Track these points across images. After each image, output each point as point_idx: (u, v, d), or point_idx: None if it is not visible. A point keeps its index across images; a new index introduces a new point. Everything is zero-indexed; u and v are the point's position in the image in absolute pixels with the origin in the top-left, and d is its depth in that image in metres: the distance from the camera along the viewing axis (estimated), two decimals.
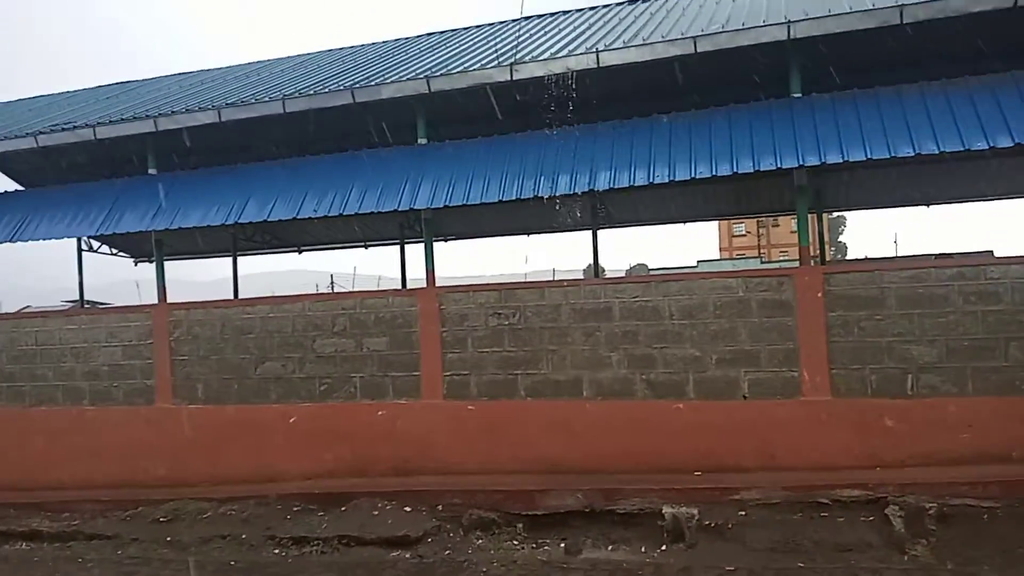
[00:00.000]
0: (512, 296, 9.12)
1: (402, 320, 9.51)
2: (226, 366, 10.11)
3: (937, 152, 7.43)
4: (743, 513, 7.38)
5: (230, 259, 18.24)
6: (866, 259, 19.96)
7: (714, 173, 8.04)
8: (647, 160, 8.34)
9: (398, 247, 17.43)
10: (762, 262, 39.19)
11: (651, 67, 8.66)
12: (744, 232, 60.30)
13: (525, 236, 16.63)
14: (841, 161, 7.70)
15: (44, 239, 10.69)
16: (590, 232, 15.33)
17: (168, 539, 8.54)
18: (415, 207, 8.99)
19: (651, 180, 8.19)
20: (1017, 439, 7.58)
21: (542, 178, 8.58)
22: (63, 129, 10.80)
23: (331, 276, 31.31)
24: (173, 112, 10.27)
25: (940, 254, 10.22)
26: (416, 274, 17.12)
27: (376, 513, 8.33)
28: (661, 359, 8.58)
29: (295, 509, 8.77)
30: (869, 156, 7.57)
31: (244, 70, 13.27)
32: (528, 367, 9.00)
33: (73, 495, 9.98)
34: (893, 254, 31.61)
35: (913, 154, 7.51)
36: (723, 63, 8.66)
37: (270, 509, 8.83)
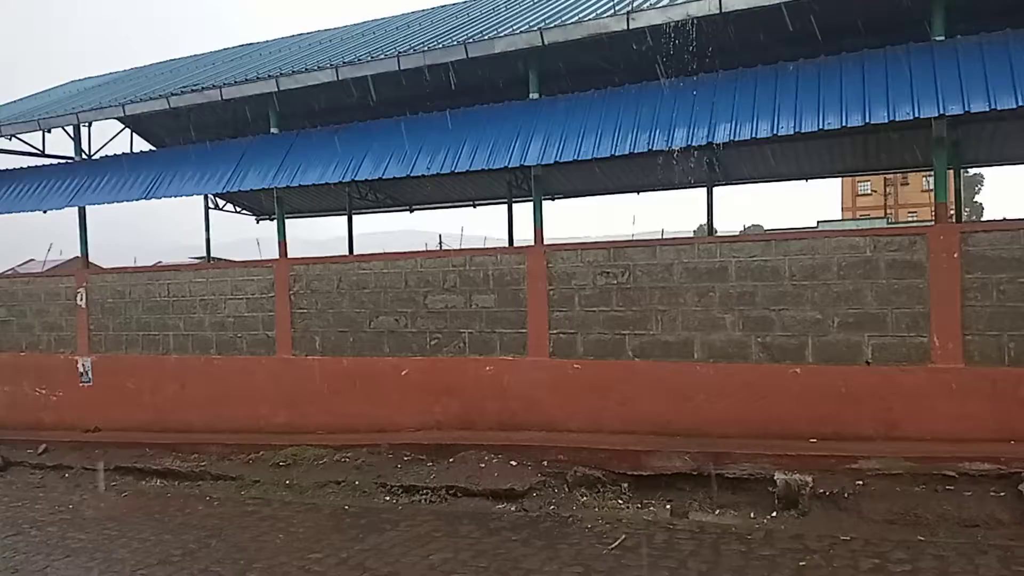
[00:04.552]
0: (622, 255, 8.94)
1: (510, 278, 9.52)
2: (342, 319, 10.46)
3: None
4: (861, 483, 7.04)
5: (344, 219, 18.86)
6: (1006, 219, 18.44)
7: (844, 123, 7.48)
8: (771, 110, 7.86)
9: (506, 206, 17.48)
10: (889, 222, 37.02)
11: (778, 11, 8.04)
12: (870, 191, 57.00)
13: (635, 194, 16.31)
14: (987, 110, 7.02)
15: (175, 196, 11.28)
16: (704, 190, 14.86)
17: (287, 482, 8.98)
18: (525, 163, 8.89)
19: (775, 132, 7.73)
20: None
21: (657, 131, 8.27)
22: (192, 90, 11.28)
23: (439, 236, 31.82)
24: (294, 72, 10.51)
25: None
26: (522, 234, 17.19)
27: (483, 466, 8.46)
28: (779, 321, 8.22)
29: (405, 459, 9.04)
30: (1021, 103, 6.87)
31: (360, 29, 13.47)
32: (636, 327, 8.84)
33: (201, 438, 10.68)
34: None
35: None
36: (858, 5, 8.05)
37: (382, 458, 9.14)
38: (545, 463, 8.33)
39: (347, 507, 8.15)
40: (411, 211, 19.67)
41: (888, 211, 49.91)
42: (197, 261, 17.81)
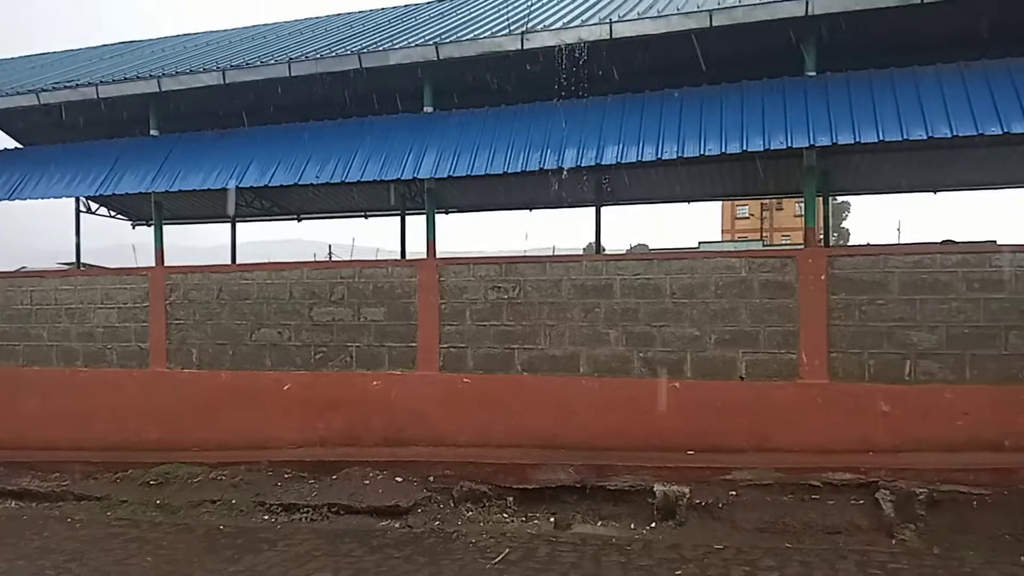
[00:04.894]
0: (513, 270, 9.03)
1: (401, 291, 9.43)
2: (222, 331, 10.05)
3: (950, 136, 7.29)
4: (734, 493, 7.36)
5: (228, 226, 18.18)
6: (869, 245, 19.90)
7: (724, 150, 7.90)
8: (656, 135, 8.18)
9: (398, 218, 17.32)
10: (764, 245, 39.09)
11: (665, 40, 8.46)
12: (747, 215, 60.01)
13: (527, 211, 16.52)
14: (852, 142, 7.57)
15: (42, 198, 10.58)
16: (593, 209, 15.23)
17: (158, 502, 8.52)
18: (418, 176, 8.87)
19: (659, 155, 8.05)
20: (1011, 427, 7.55)
21: (548, 151, 8.44)
22: (65, 87, 10.65)
23: (329, 247, 31.26)
24: (177, 73, 10.11)
25: (944, 241, 10.12)
26: (415, 247, 17.05)
27: (367, 482, 8.31)
28: (660, 337, 8.51)
29: (286, 476, 8.76)
30: (881, 138, 7.43)
31: (250, 32, 13.08)
32: (525, 342, 8.93)
33: (64, 456, 9.96)
34: (896, 241, 31.53)
35: (926, 137, 7.37)
36: (739, 38, 8.49)
37: (261, 475, 8.82)
38: (431, 478, 8.25)
39: (222, 527, 7.80)
40: (299, 220, 19.14)
41: (764, 234, 52.66)
42: (65, 267, 16.69)
